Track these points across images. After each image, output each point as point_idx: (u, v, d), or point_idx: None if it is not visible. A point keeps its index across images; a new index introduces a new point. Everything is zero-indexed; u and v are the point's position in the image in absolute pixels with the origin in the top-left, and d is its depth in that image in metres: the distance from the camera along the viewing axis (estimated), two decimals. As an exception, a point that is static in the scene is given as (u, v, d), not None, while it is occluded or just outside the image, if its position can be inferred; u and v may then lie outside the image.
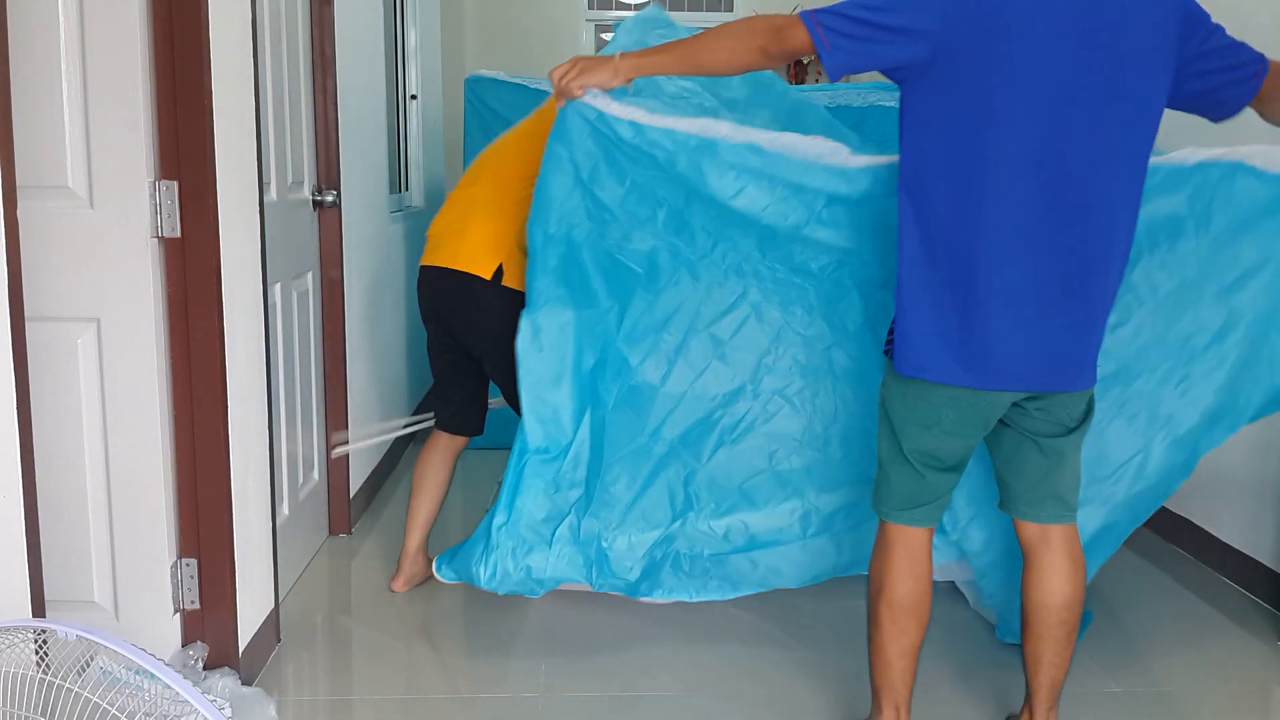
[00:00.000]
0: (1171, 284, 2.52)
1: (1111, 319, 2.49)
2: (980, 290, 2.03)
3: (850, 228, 2.48)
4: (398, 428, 4.46)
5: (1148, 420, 2.61)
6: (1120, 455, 2.63)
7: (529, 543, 2.63)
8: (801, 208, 2.45)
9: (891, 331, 2.17)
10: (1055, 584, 2.24)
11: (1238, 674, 2.78)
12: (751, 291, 2.63)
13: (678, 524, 2.70)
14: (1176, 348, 2.57)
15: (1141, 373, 2.59)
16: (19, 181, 1.79)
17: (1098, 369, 2.49)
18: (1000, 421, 2.22)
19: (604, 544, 2.67)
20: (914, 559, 2.21)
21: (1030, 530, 2.27)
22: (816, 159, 2.39)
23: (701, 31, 2.19)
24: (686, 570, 2.73)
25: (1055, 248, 2.02)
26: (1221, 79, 2.09)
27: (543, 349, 2.59)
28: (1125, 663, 2.78)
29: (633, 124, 2.36)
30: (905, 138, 2.09)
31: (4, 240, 1.68)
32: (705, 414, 2.68)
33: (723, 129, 2.38)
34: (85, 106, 2.20)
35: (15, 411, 1.73)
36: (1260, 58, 2.11)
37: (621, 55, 2.26)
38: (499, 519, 2.61)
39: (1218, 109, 2.16)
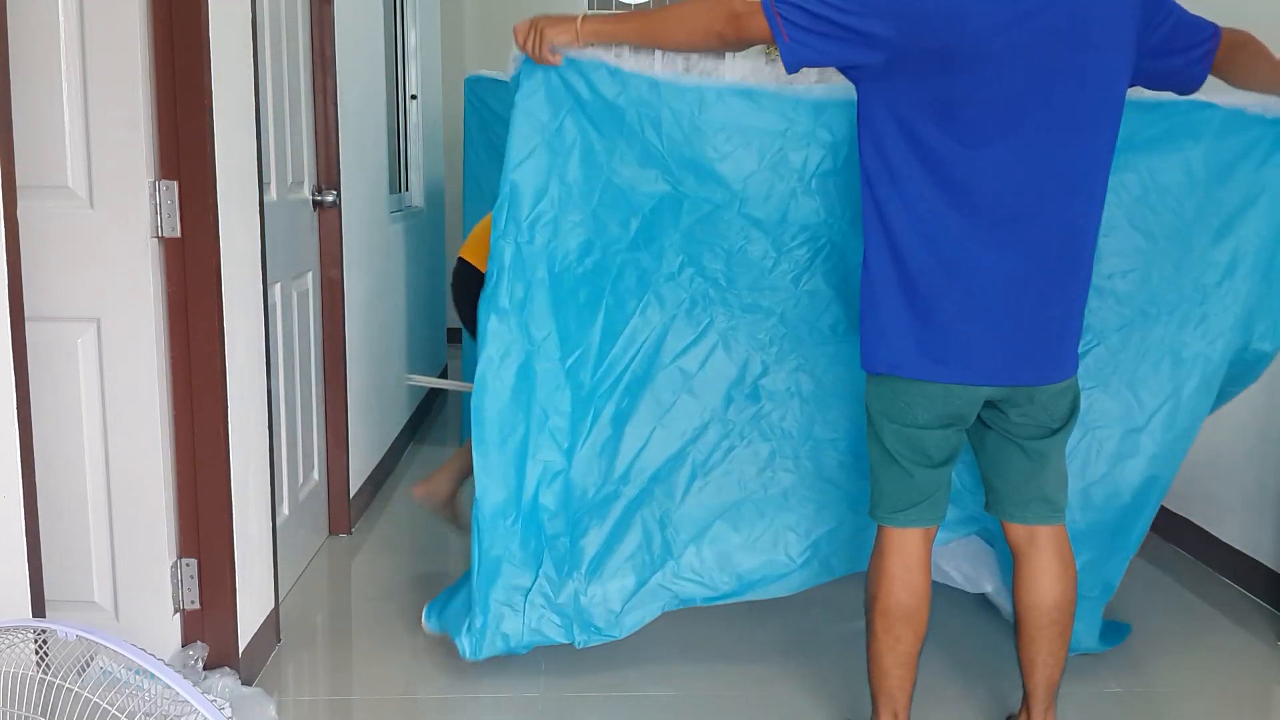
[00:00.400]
0: (1174, 223, 2.52)
1: (1123, 265, 2.50)
2: (953, 287, 2.02)
3: (838, 198, 2.44)
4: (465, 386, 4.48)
5: (1173, 365, 2.59)
6: (1152, 403, 2.60)
7: (500, 612, 2.52)
8: (790, 174, 2.42)
9: None
10: (1045, 584, 2.22)
11: (1238, 674, 2.78)
12: (718, 319, 2.56)
13: (658, 573, 2.59)
14: (1189, 289, 2.56)
15: (1159, 317, 2.57)
16: (19, 181, 1.79)
17: (1118, 317, 2.51)
18: (982, 423, 2.21)
19: (581, 600, 2.55)
20: (909, 567, 2.18)
21: (1018, 532, 2.25)
22: (805, 92, 2.37)
23: (666, 6, 2.18)
24: (670, 600, 2.64)
25: (1032, 244, 2.01)
26: (1182, 59, 2.12)
27: (499, 401, 2.44)
28: (1125, 663, 2.78)
29: (612, 70, 2.31)
30: (865, 135, 2.07)
31: (4, 240, 1.68)
32: (676, 450, 2.59)
33: (716, 65, 2.33)
34: (85, 106, 2.20)
35: (15, 411, 1.73)
36: (1216, 32, 2.14)
37: (584, 19, 2.25)
38: (475, 588, 2.52)
39: (1182, 85, 2.19)
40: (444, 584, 3.20)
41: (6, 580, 1.75)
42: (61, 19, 2.15)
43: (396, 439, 4.46)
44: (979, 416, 2.18)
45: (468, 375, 4.57)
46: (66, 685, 1.53)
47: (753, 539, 2.63)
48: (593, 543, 2.57)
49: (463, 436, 4.64)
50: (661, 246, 2.49)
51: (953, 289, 2.02)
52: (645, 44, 2.26)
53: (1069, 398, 2.17)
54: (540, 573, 2.54)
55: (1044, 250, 2.02)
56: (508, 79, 4.39)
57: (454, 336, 6.03)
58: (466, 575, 2.62)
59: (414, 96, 5.17)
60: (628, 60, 2.32)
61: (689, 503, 2.61)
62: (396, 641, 2.87)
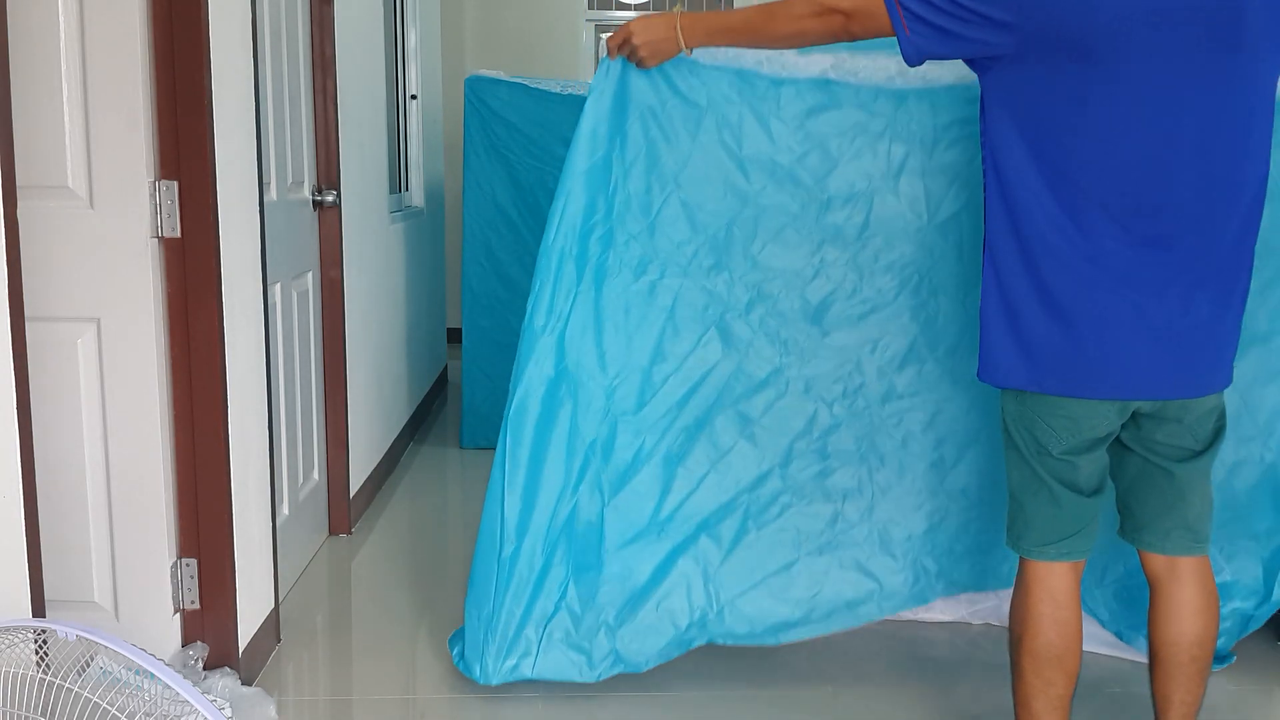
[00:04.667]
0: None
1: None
2: (1091, 291, 1.91)
3: (925, 201, 2.32)
4: None
5: None
6: (1266, 410, 2.46)
7: (508, 647, 2.41)
8: (871, 173, 2.32)
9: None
10: (1186, 619, 2.07)
11: (1238, 674, 2.78)
12: (789, 366, 2.40)
13: (697, 627, 2.49)
14: None
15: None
16: (19, 181, 1.79)
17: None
18: (1123, 445, 2.07)
19: (609, 642, 2.44)
20: (1057, 604, 2.03)
21: (1157, 562, 2.10)
22: (886, 83, 2.29)
23: (772, 2, 2.10)
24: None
25: (1172, 244, 1.89)
26: None
27: (533, 419, 2.32)
28: (1124, 662, 2.78)
29: (692, 65, 2.24)
30: (990, 129, 1.97)
31: (4, 240, 1.68)
32: (729, 499, 2.45)
33: (795, 59, 2.27)
34: (85, 106, 2.20)
35: (15, 411, 1.73)
36: None
37: (682, 15, 2.18)
38: (475, 615, 2.42)
39: None
40: (443, 583, 3.21)
41: (6, 580, 1.75)
42: (61, 19, 2.15)
43: (396, 439, 4.46)
44: (1119, 438, 2.05)
45: (468, 377, 4.57)
46: (66, 685, 1.52)
47: (802, 601, 2.51)
48: (628, 586, 2.45)
49: (463, 438, 4.64)
50: (730, 275, 2.36)
51: (1091, 293, 1.91)
52: (756, 45, 2.20)
53: (1214, 415, 2.03)
54: (563, 605, 2.43)
55: (1186, 252, 1.90)
56: (509, 79, 4.43)
57: (454, 337, 6.03)
58: (479, 599, 2.47)
59: (414, 96, 5.18)
60: (709, 55, 2.26)
61: (736, 558, 2.48)
62: (396, 641, 2.87)
